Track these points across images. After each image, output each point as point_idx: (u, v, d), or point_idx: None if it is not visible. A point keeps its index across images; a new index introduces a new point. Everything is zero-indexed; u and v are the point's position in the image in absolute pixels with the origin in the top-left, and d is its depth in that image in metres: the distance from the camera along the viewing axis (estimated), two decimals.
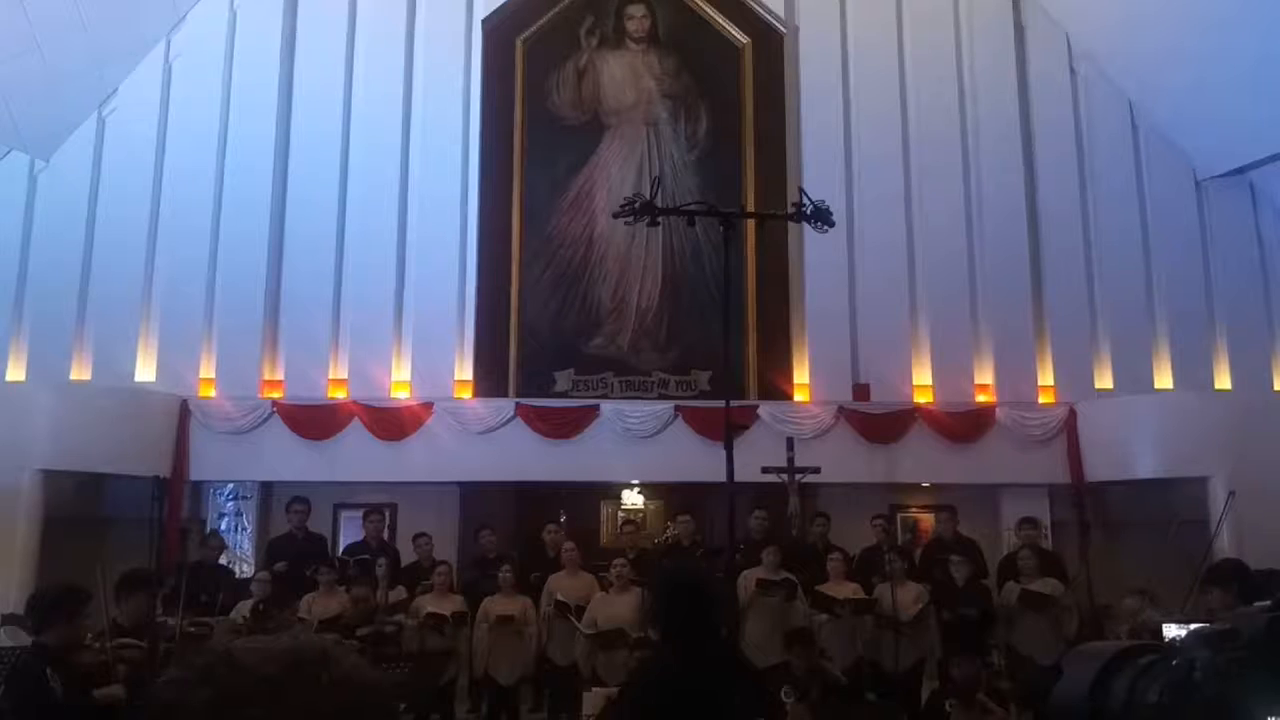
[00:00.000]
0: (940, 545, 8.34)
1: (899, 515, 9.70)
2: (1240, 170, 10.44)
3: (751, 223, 9.60)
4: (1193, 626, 1.79)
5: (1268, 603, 1.01)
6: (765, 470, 8.25)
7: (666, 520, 9.47)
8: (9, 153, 10.13)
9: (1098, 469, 9.51)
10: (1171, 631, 4.30)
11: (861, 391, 9.95)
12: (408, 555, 8.28)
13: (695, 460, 8.84)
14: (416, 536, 8.26)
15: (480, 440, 9.46)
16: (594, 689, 5.94)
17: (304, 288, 10.07)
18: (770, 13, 10.62)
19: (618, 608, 7.06)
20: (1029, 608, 7.32)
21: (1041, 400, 10.05)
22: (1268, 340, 10.44)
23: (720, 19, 10.61)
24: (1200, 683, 0.99)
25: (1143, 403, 9.67)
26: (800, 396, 9.96)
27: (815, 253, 9.97)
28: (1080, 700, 1.14)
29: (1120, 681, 1.11)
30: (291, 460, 9.37)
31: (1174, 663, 1.04)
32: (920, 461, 9.60)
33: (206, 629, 6.11)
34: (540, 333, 9.99)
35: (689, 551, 8.01)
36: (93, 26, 9.60)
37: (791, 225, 9.05)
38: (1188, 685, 1.01)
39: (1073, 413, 9.75)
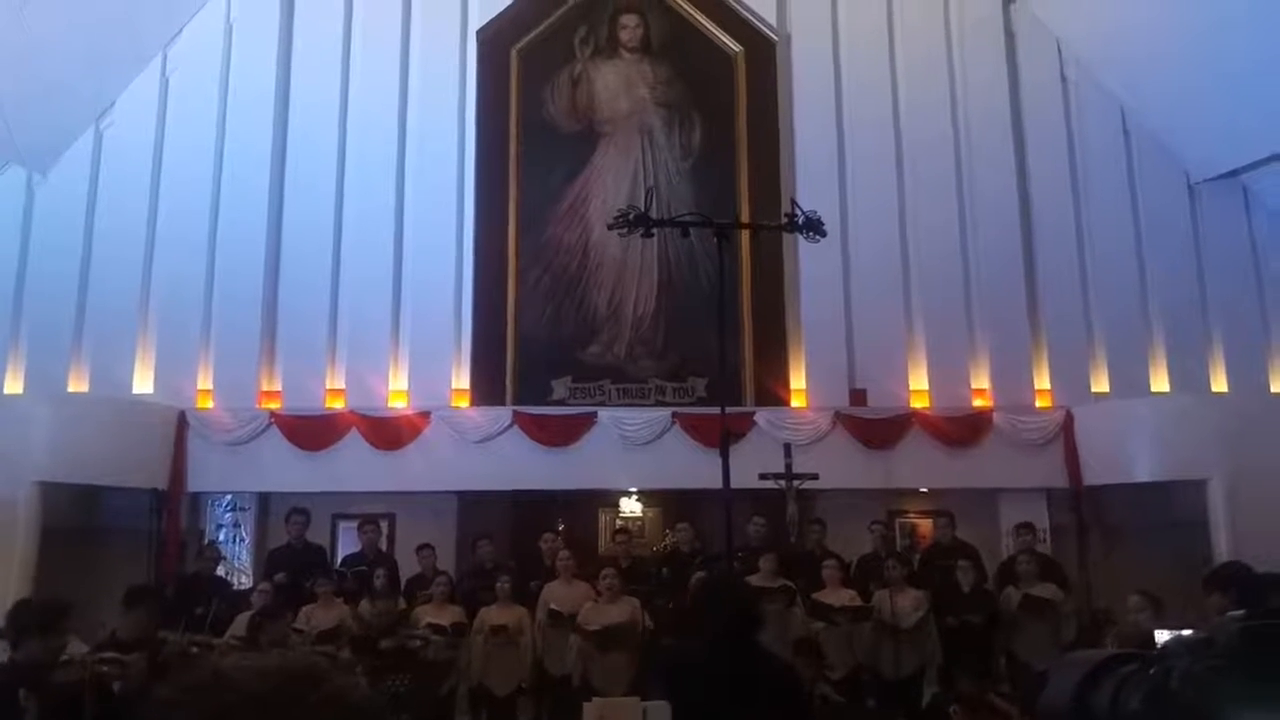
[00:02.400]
0: (939, 550, 8.34)
1: (897, 520, 9.70)
2: (1233, 173, 10.47)
3: (746, 230, 9.62)
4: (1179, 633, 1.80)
5: (1241, 611, 1.02)
6: (763, 477, 8.22)
7: (665, 527, 9.47)
8: (6, 166, 10.15)
9: (1095, 473, 9.51)
10: (1163, 638, 4.31)
11: (858, 397, 9.96)
12: (408, 566, 8.21)
13: (693, 467, 8.82)
14: (420, 548, 8.18)
15: (478, 449, 9.47)
16: (594, 699, 5.91)
17: (301, 298, 10.08)
18: (762, 21, 10.66)
19: (609, 617, 7.04)
20: (1030, 613, 7.31)
21: (1038, 404, 10.06)
22: (1263, 342, 10.45)
23: (713, 28, 10.65)
24: (1177, 691, 1.00)
25: (1139, 406, 9.67)
26: (797, 402, 9.97)
27: (810, 259, 9.98)
28: (1065, 709, 1.15)
29: (1104, 690, 1.12)
30: (289, 471, 9.36)
31: (1152, 671, 1.05)
32: (917, 466, 9.60)
33: (206, 648, 6.07)
34: (537, 341, 10.00)
35: (688, 559, 8.00)
36: (90, 41, 9.62)
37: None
38: (1166, 693, 1.02)
39: (1070, 416, 9.76)
